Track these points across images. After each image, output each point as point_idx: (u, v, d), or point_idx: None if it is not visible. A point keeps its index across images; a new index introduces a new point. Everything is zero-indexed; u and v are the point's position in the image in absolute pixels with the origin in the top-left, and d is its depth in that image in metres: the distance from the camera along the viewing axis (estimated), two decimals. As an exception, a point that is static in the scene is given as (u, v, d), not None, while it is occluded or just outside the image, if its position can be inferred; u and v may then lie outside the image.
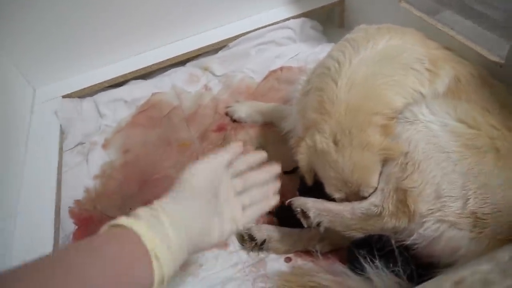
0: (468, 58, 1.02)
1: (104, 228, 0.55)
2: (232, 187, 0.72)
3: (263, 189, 0.77)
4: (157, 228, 0.55)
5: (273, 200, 0.78)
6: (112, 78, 1.50)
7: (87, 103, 1.47)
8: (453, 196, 0.79)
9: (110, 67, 1.53)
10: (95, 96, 1.49)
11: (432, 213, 0.80)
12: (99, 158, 1.33)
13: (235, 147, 0.74)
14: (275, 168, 0.79)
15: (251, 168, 0.77)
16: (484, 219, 0.77)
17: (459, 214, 0.78)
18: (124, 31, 1.49)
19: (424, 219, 0.80)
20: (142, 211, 0.58)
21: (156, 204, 0.60)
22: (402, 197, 0.81)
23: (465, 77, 0.95)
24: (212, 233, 0.64)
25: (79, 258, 0.48)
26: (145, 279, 0.51)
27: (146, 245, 0.52)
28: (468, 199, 0.78)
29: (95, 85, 1.49)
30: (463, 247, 0.78)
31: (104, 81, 1.50)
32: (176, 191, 0.62)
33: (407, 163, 0.82)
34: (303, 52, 1.63)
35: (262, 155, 0.79)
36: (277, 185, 0.80)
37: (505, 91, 0.96)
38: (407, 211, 0.81)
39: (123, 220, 0.55)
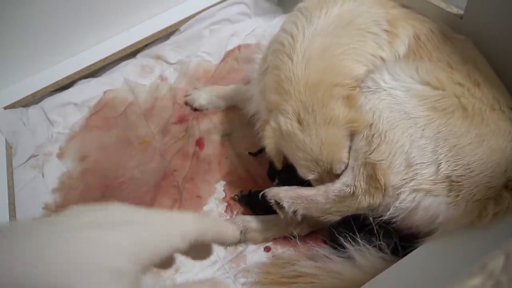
0: (427, 14, 0.97)
1: None
2: None
3: None
4: None
5: None
6: (57, 81, 1.38)
7: (34, 111, 1.35)
8: (424, 163, 0.76)
9: (53, 69, 1.40)
10: (42, 103, 1.37)
11: (405, 183, 0.77)
12: (55, 169, 1.23)
13: None
14: None
15: None
16: (459, 182, 0.75)
17: (433, 180, 0.75)
18: (63, 27, 1.35)
19: (399, 191, 0.77)
20: None
21: None
22: (372, 172, 0.78)
23: (425, 34, 0.91)
24: None
25: None
26: None
27: None
28: (440, 163, 0.75)
29: (40, 90, 1.36)
30: (441, 214, 0.76)
31: (49, 85, 1.37)
32: None
33: (373, 135, 0.78)
34: (260, 27, 1.54)
35: None
36: None
37: (467, 44, 0.92)
38: (378, 186, 0.77)
39: None
